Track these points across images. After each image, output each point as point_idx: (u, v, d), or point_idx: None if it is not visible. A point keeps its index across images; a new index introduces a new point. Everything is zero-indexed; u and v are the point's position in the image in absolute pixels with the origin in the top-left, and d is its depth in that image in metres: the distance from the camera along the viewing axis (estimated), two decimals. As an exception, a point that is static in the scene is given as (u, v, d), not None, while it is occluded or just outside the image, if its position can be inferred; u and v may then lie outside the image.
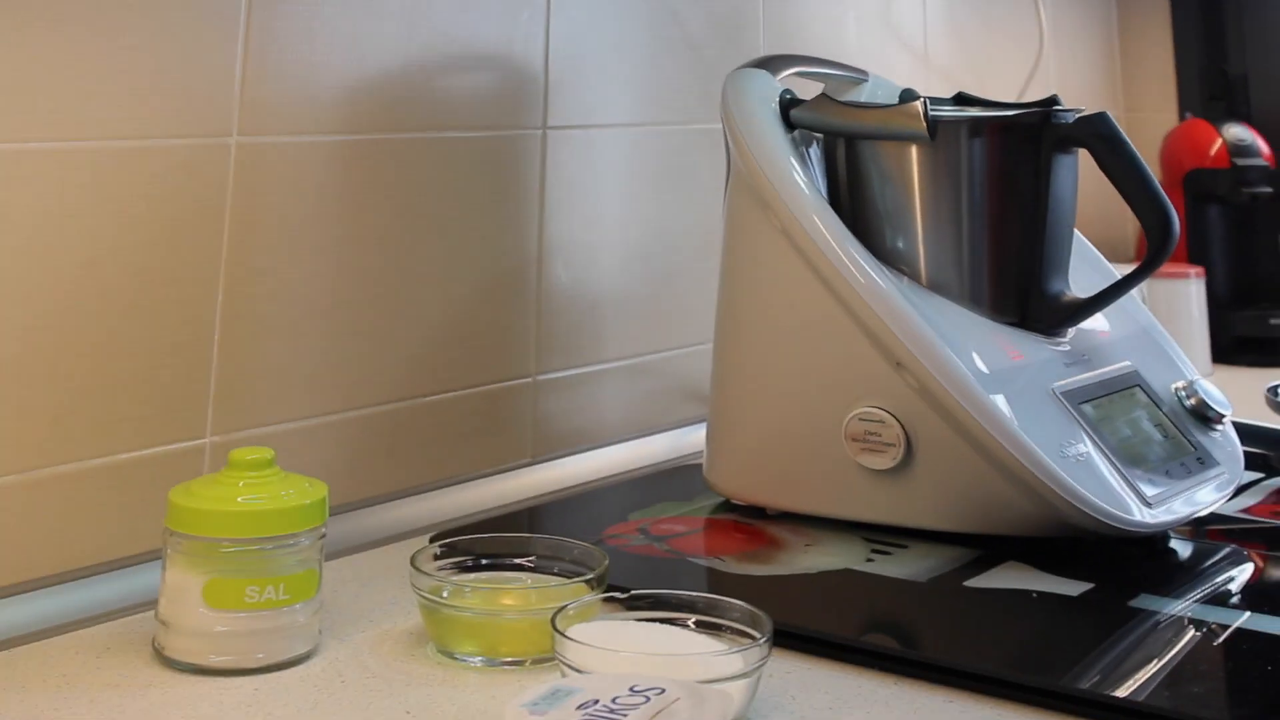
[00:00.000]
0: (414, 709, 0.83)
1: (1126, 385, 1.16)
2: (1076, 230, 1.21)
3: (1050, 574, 1.01)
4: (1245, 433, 1.21)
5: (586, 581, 0.91)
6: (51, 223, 0.97)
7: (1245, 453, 1.17)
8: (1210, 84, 2.09)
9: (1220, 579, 1.02)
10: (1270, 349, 1.84)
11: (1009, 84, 1.94)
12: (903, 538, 1.08)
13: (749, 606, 0.86)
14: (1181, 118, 2.11)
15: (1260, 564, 1.06)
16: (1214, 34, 2.14)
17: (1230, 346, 1.80)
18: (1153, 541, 1.06)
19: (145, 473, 1.02)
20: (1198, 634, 0.91)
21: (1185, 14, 2.17)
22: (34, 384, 0.97)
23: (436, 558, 0.95)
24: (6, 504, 0.95)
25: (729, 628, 0.86)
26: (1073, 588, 0.98)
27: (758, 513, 1.15)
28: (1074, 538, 1.04)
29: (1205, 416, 1.17)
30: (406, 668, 0.88)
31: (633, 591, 0.89)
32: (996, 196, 1.15)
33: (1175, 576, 1.03)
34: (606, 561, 0.94)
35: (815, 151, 1.19)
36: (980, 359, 1.08)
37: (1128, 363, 1.18)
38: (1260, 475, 1.24)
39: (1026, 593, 0.98)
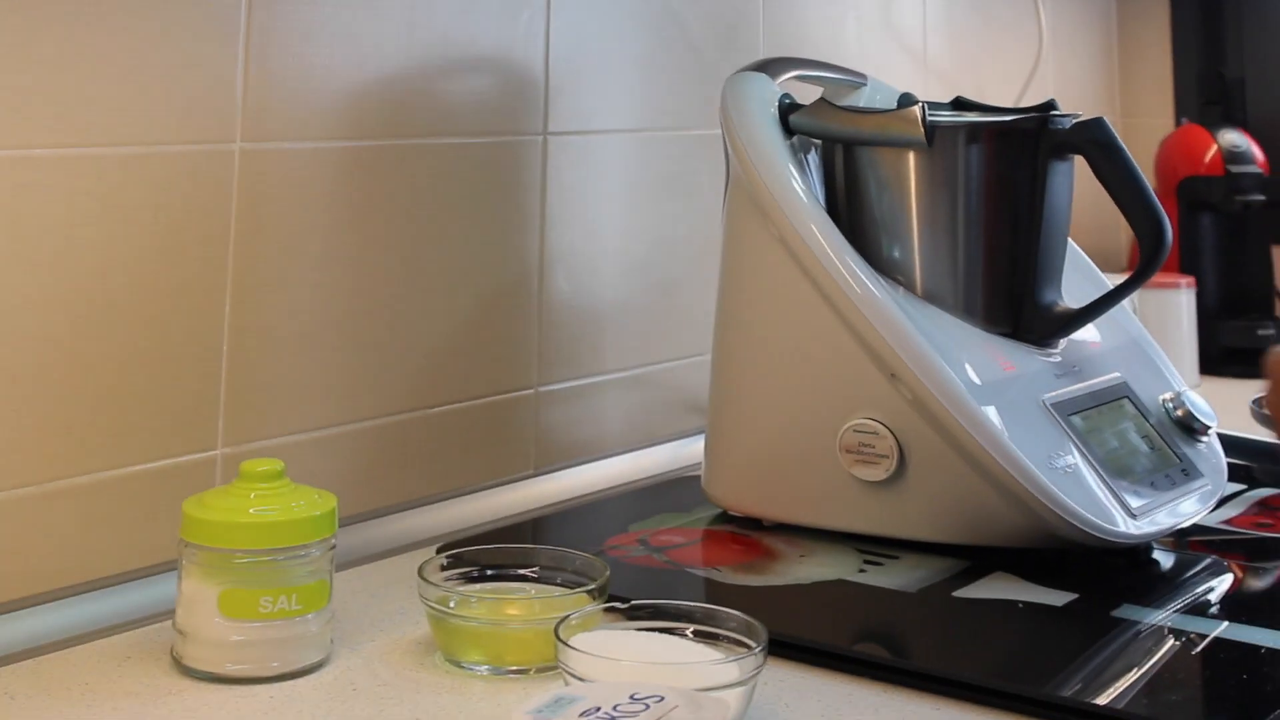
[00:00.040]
0: (424, 716, 0.84)
1: (1115, 397, 1.17)
2: (1070, 239, 1.21)
3: (1036, 584, 1.02)
4: (1229, 444, 1.22)
5: (588, 592, 0.93)
6: (60, 231, 0.98)
7: (1229, 464, 1.19)
8: (1207, 88, 2.07)
9: (1200, 589, 1.04)
10: (1257, 360, 1.83)
11: (1007, 87, 1.94)
12: (894, 549, 1.09)
13: (745, 616, 0.87)
14: (1178, 123, 2.10)
15: (1240, 575, 1.08)
16: (1213, 37, 2.13)
17: (1218, 357, 1.80)
18: (1136, 552, 1.08)
19: (159, 484, 1.03)
20: (1177, 643, 0.93)
21: (1185, 16, 2.16)
22: (48, 395, 0.98)
23: (443, 568, 0.97)
24: (25, 515, 0.97)
25: (726, 637, 0.87)
26: (1058, 598, 1.00)
27: (754, 524, 1.16)
28: (1060, 548, 1.06)
29: (1191, 428, 1.18)
30: (416, 676, 0.90)
31: (633, 602, 0.90)
32: (992, 204, 1.15)
33: (1157, 587, 1.04)
34: (608, 572, 0.95)
35: (814, 158, 1.19)
36: (973, 370, 1.09)
37: (1117, 374, 1.19)
38: (1243, 487, 1.25)
39: (1013, 603, 1.00)
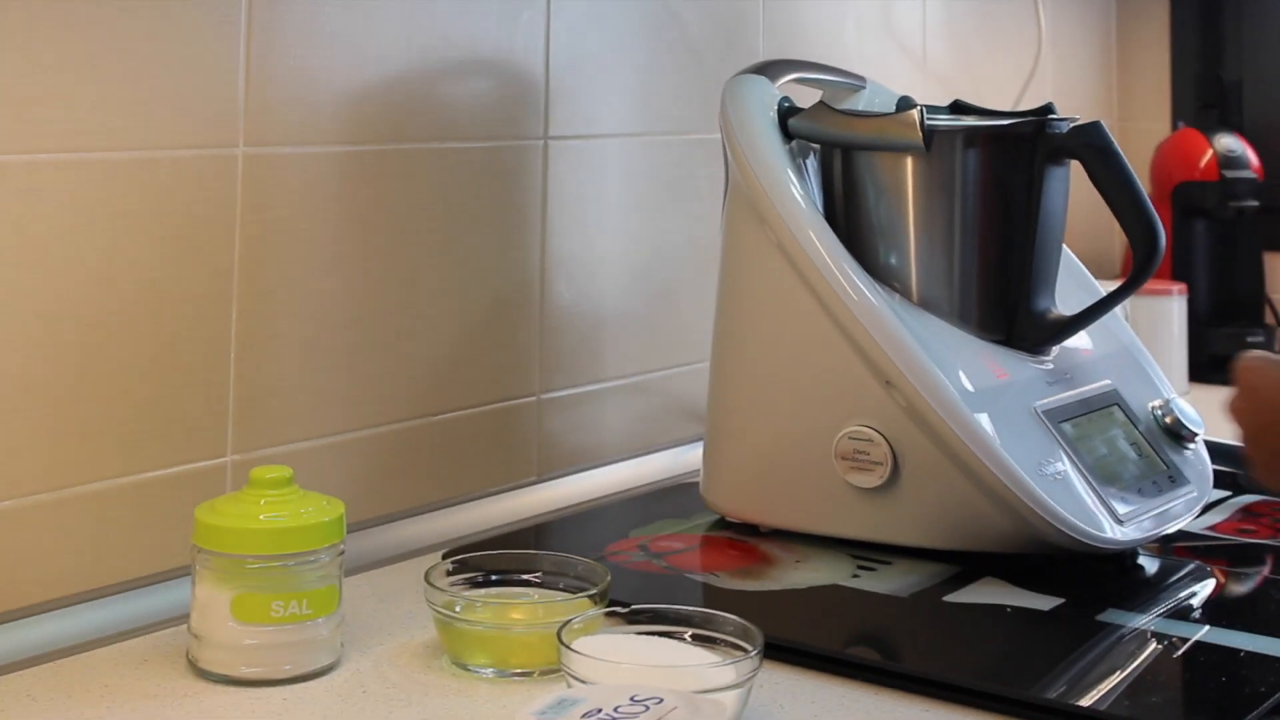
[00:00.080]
0: (431, 717, 0.86)
1: (1105, 404, 1.18)
2: (1064, 245, 1.21)
3: (1024, 589, 1.04)
4: (1215, 451, 1.23)
5: (590, 597, 0.94)
6: (67, 236, 0.98)
7: (1215, 471, 1.20)
8: (1205, 91, 2.06)
9: (1183, 594, 1.06)
10: (1241, 368, 1.84)
11: (1006, 90, 1.92)
12: (888, 554, 1.11)
13: (741, 621, 0.88)
14: (1174, 127, 2.09)
15: (1222, 580, 1.10)
16: (1212, 38, 2.13)
17: (1208, 364, 1.80)
18: (1122, 558, 1.10)
19: (171, 490, 1.04)
20: (1159, 646, 0.95)
21: (1184, 18, 2.15)
22: (59, 403, 0.98)
23: (449, 574, 0.98)
24: (42, 521, 0.98)
25: (723, 641, 0.88)
26: (1045, 602, 1.02)
27: (751, 530, 1.17)
28: (1048, 554, 1.07)
29: (1179, 435, 1.19)
30: (424, 678, 0.91)
31: (633, 606, 0.92)
32: (989, 210, 1.15)
33: (1141, 592, 1.06)
34: (609, 578, 0.96)
35: (813, 163, 1.19)
36: (966, 378, 1.10)
37: (1108, 381, 1.20)
38: (1228, 493, 1.27)
39: (1002, 607, 1.01)
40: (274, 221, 1.10)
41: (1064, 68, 2.08)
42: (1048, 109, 1.17)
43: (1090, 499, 1.09)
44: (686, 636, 0.90)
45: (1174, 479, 1.16)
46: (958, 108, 1.24)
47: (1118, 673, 0.92)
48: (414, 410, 1.21)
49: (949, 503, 1.08)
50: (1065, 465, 1.10)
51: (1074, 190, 1.18)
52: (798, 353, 1.13)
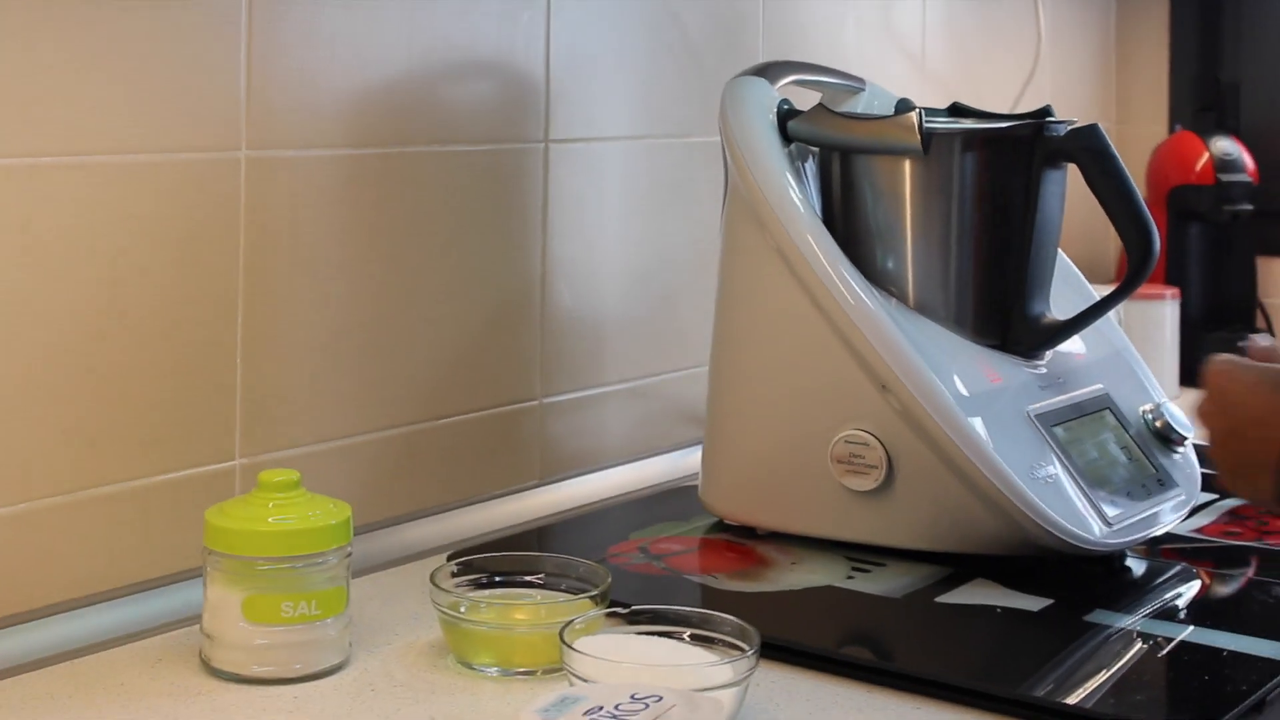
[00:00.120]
0: (438, 714, 0.87)
1: (1097, 408, 1.19)
2: (1059, 250, 1.22)
3: (1014, 590, 1.05)
4: (1204, 454, 1.22)
5: (591, 598, 0.95)
6: (74, 240, 0.98)
7: (1203, 474, 1.20)
8: (1202, 93, 2.05)
9: (1170, 595, 1.08)
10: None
11: (1004, 92, 1.92)
12: (882, 556, 1.12)
13: (739, 621, 0.89)
14: (1171, 130, 2.09)
15: (1207, 581, 1.11)
16: (1211, 39, 2.12)
17: (1199, 368, 1.81)
18: (1110, 559, 1.11)
19: (182, 493, 1.05)
20: (1144, 646, 0.97)
21: (1184, 19, 2.14)
22: (69, 407, 0.99)
23: (454, 575, 0.99)
24: (56, 523, 0.99)
25: (720, 640, 0.89)
26: (1034, 603, 1.03)
27: (749, 532, 1.18)
28: (1038, 556, 1.09)
29: (1168, 439, 1.20)
30: (430, 677, 0.93)
31: (633, 607, 0.93)
32: (986, 214, 1.15)
33: (1128, 593, 1.07)
34: (609, 579, 0.97)
35: (811, 166, 1.19)
36: (961, 382, 1.11)
37: (1100, 386, 1.21)
38: (1214, 496, 1.27)
39: (992, 608, 1.03)
40: (277, 225, 1.10)
41: (1063, 69, 2.07)
42: (1046, 111, 1.17)
43: (1080, 502, 1.10)
44: (685, 636, 0.91)
45: (1163, 482, 1.17)
46: (956, 110, 1.24)
47: (1104, 671, 0.93)
48: (418, 415, 1.22)
49: (942, 506, 1.09)
50: (1056, 469, 1.11)
51: (1070, 194, 1.19)
52: (795, 357, 1.14)
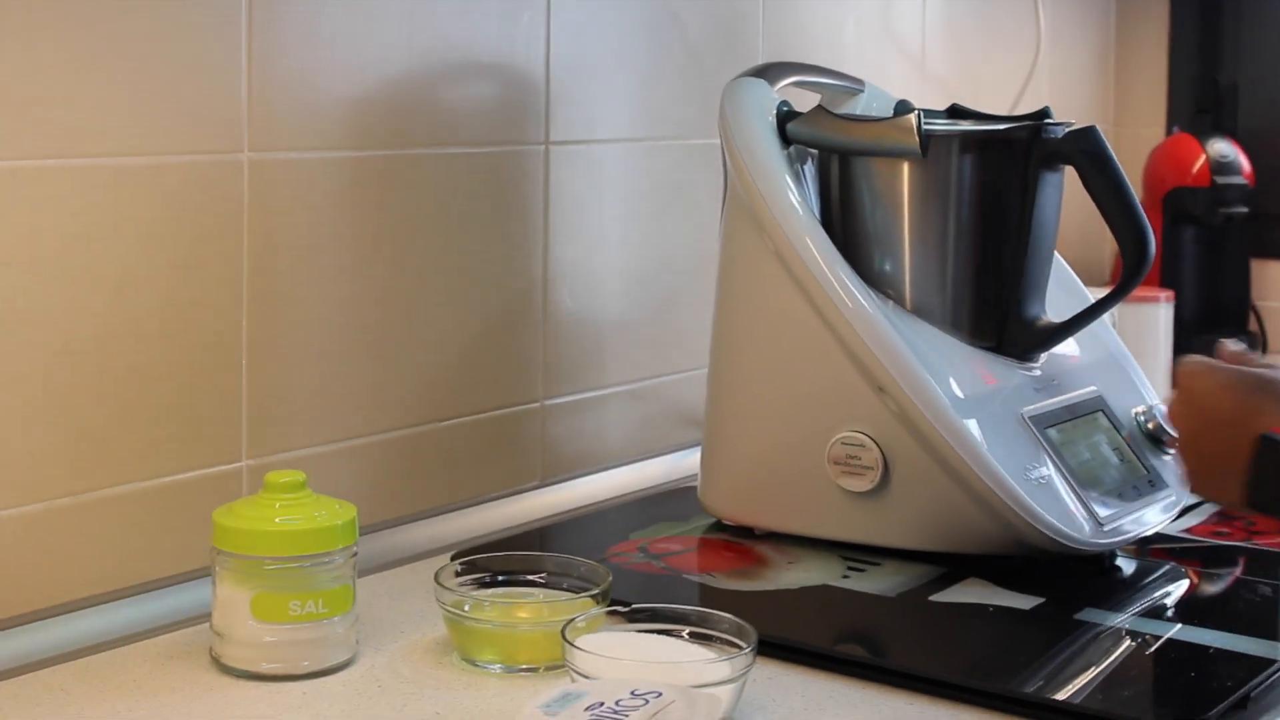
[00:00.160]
0: (443, 710, 0.88)
1: (1090, 410, 1.20)
2: (1055, 252, 1.22)
3: (1007, 589, 1.06)
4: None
5: (593, 596, 0.96)
6: (79, 243, 0.98)
7: None
8: (1200, 95, 2.05)
9: (1158, 594, 1.09)
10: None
11: (1004, 93, 1.92)
12: (877, 556, 1.13)
13: (736, 619, 0.90)
14: (1169, 131, 2.09)
15: (1195, 580, 1.13)
16: (1209, 41, 2.12)
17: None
18: (1101, 559, 1.12)
19: (190, 494, 1.06)
20: (1133, 644, 0.98)
21: (1183, 20, 2.14)
22: (80, 409, 1.00)
23: (458, 575, 1.00)
24: (68, 524, 1.00)
25: (718, 638, 0.90)
26: (1026, 602, 1.04)
27: (746, 533, 1.19)
28: (1030, 555, 1.10)
29: (1160, 440, 1.21)
30: (435, 674, 0.94)
31: (634, 605, 0.94)
32: (983, 217, 1.16)
33: (1118, 591, 1.09)
34: (610, 578, 0.98)
35: (810, 168, 1.19)
36: (956, 384, 1.11)
37: (1093, 388, 1.22)
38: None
39: (984, 607, 1.04)
40: (280, 228, 1.10)
41: (1062, 70, 2.07)
42: (1044, 113, 1.17)
43: (1072, 503, 1.11)
44: (684, 634, 0.92)
45: (1154, 483, 1.18)
46: (955, 112, 1.24)
47: (1093, 668, 0.95)
48: (422, 417, 1.23)
49: (937, 506, 1.10)
50: (1049, 470, 1.12)
51: (1067, 196, 1.19)
52: (793, 359, 1.14)
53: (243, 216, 1.08)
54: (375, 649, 0.98)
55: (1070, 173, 1.16)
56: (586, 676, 0.86)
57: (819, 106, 1.21)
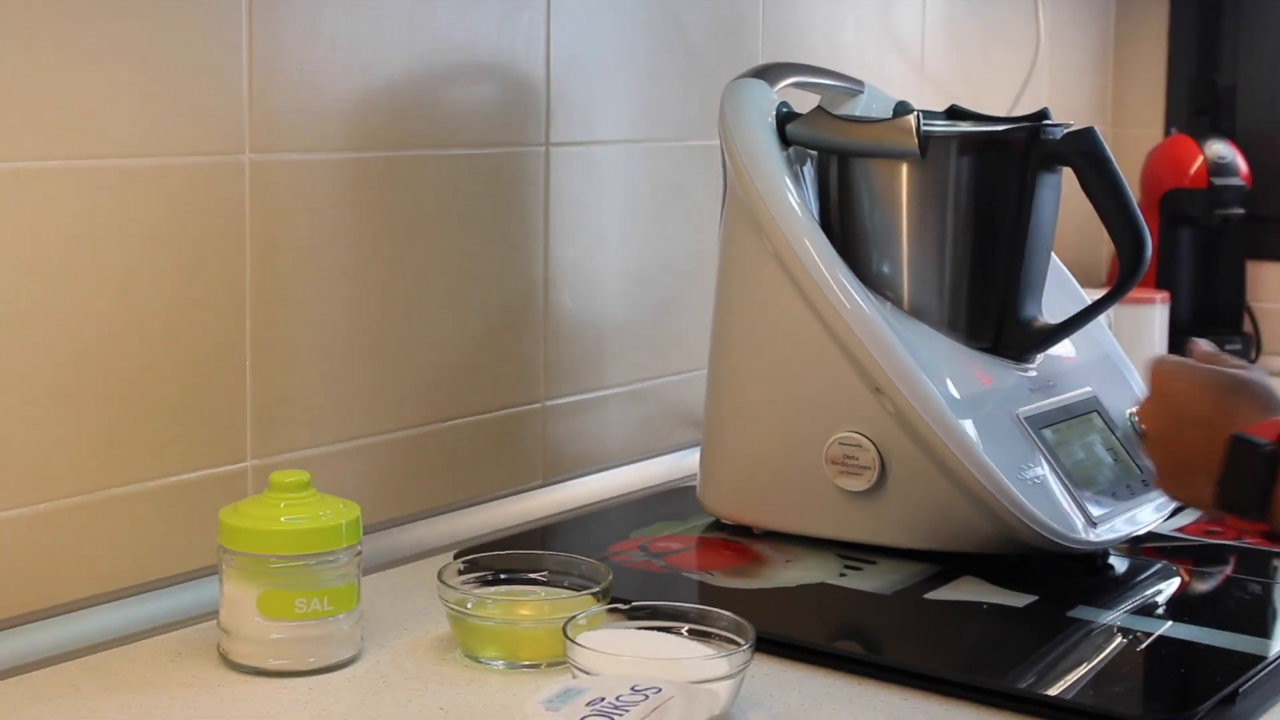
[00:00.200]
0: (447, 705, 0.90)
1: (1085, 410, 1.20)
2: (1052, 253, 1.23)
3: (1001, 587, 1.07)
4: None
5: (593, 594, 0.97)
6: (82, 246, 0.99)
7: None
8: (1199, 96, 2.05)
9: (1150, 592, 1.10)
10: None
11: (1003, 94, 1.92)
12: (873, 554, 1.14)
13: (735, 616, 0.91)
14: (1167, 133, 2.09)
15: (1186, 578, 1.13)
16: (1209, 42, 2.12)
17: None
18: (1094, 558, 1.13)
19: (196, 494, 1.07)
20: (1124, 640, 0.99)
21: (1183, 21, 2.14)
22: (88, 410, 1.00)
23: (461, 573, 1.00)
24: (77, 523, 1.00)
25: (717, 635, 0.92)
26: (1019, 600, 1.05)
27: (745, 531, 1.20)
28: (1025, 554, 1.10)
29: None
30: (439, 670, 0.95)
31: (634, 603, 0.95)
32: (981, 218, 1.16)
33: (1111, 589, 1.10)
34: (611, 576, 0.99)
35: (809, 169, 1.19)
36: (953, 385, 1.12)
37: (1089, 389, 1.22)
38: None
39: (978, 604, 1.05)
40: (283, 229, 1.11)
41: (1061, 70, 2.07)
42: (1043, 114, 1.17)
43: (1066, 502, 1.12)
44: (683, 631, 0.93)
45: (1147, 483, 1.18)
46: (954, 113, 1.24)
47: (1084, 665, 0.96)
48: (424, 417, 1.23)
49: (932, 505, 1.11)
50: (1044, 470, 1.12)
51: (1063, 197, 1.19)
52: (791, 361, 1.15)
53: (245, 218, 1.08)
54: (380, 646, 0.99)
55: (1068, 173, 1.17)
56: (587, 673, 0.87)
57: (818, 107, 1.21)
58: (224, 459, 1.10)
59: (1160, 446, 0.99)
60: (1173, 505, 1.20)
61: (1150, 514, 1.18)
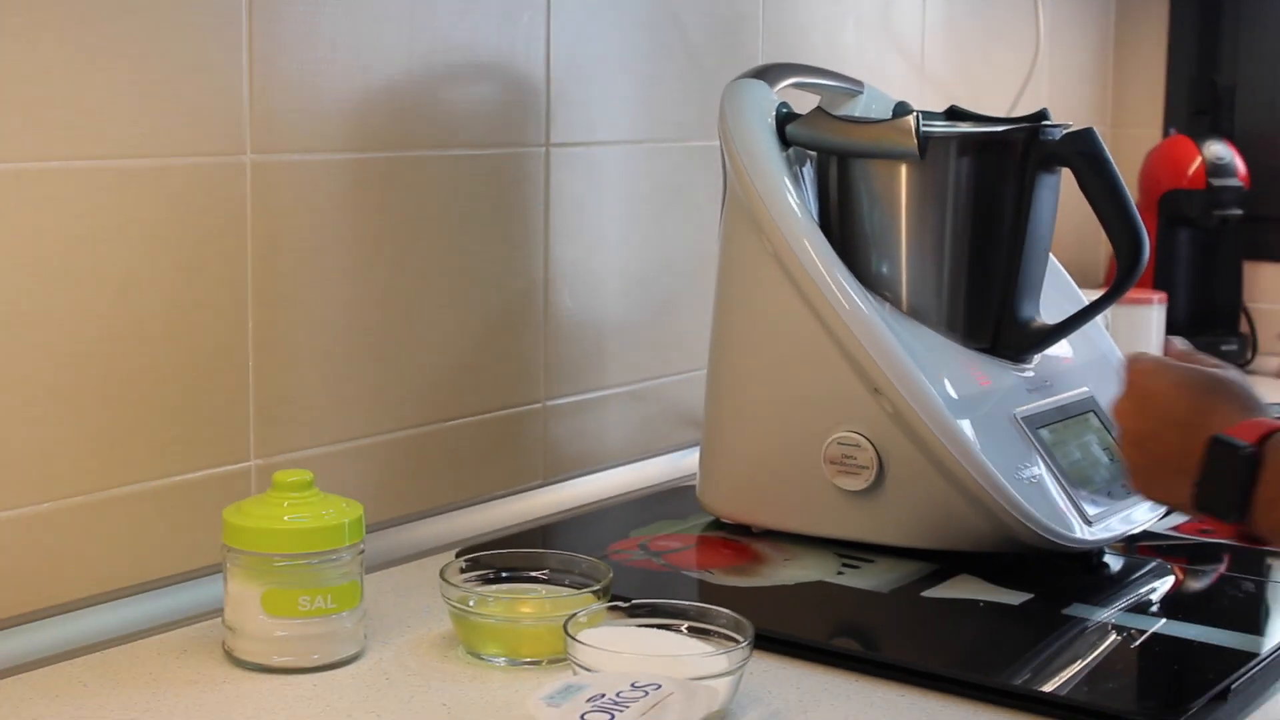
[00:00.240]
0: (449, 702, 0.90)
1: (1082, 410, 1.21)
2: (1050, 254, 1.23)
3: (997, 585, 1.08)
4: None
5: (594, 592, 0.98)
6: (83, 246, 0.99)
7: None
8: (1198, 96, 2.05)
9: (1144, 590, 1.10)
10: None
11: (1003, 94, 1.92)
12: (871, 553, 1.14)
13: (734, 614, 0.92)
14: (1166, 133, 2.09)
15: (1180, 576, 1.14)
16: (1208, 42, 2.11)
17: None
18: (1089, 556, 1.13)
19: (199, 493, 1.07)
20: (1118, 638, 1.00)
21: (1183, 21, 2.14)
22: (91, 410, 1.01)
23: (463, 571, 1.01)
24: (81, 522, 1.01)
25: (716, 632, 0.92)
26: (1015, 597, 1.06)
27: (744, 530, 1.20)
28: (1021, 553, 1.11)
29: None
30: (441, 667, 0.95)
31: (634, 601, 0.96)
32: (979, 219, 1.16)
33: (1105, 587, 1.10)
34: (611, 574, 1.00)
35: (809, 170, 1.20)
36: (951, 385, 1.12)
37: (1085, 389, 1.23)
38: None
39: (975, 602, 1.05)
40: (284, 230, 1.11)
41: (1061, 70, 2.07)
42: (1042, 115, 1.17)
43: (1062, 501, 1.12)
44: (683, 629, 0.94)
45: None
46: (953, 113, 1.25)
47: (1079, 662, 0.96)
48: (426, 417, 1.24)
49: (930, 505, 1.12)
50: (1040, 469, 1.13)
51: (1061, 198, 1.19)
52: (790, 361, 1.15)
53: (246, 218, 1.08)
54: (383, 643, 1.00)
55: (1067, 174, 1.17)
56: (588, 669, 0.88)
57: (818, 108, 1.21)
58: (226, 459, 1.10)
59: (1136, 446, 0.96)
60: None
61: (1145, 513, 1.19)
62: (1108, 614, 1.04)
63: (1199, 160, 1.96)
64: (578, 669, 0.89)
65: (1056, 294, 1.27)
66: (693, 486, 1.26)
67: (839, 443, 1.14)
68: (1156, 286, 1.90)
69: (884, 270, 1.17)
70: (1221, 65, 2.12)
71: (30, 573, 1.00)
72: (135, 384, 1.04)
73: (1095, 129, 1.16)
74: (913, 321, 1.17)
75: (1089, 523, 1.13)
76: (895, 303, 1.17)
